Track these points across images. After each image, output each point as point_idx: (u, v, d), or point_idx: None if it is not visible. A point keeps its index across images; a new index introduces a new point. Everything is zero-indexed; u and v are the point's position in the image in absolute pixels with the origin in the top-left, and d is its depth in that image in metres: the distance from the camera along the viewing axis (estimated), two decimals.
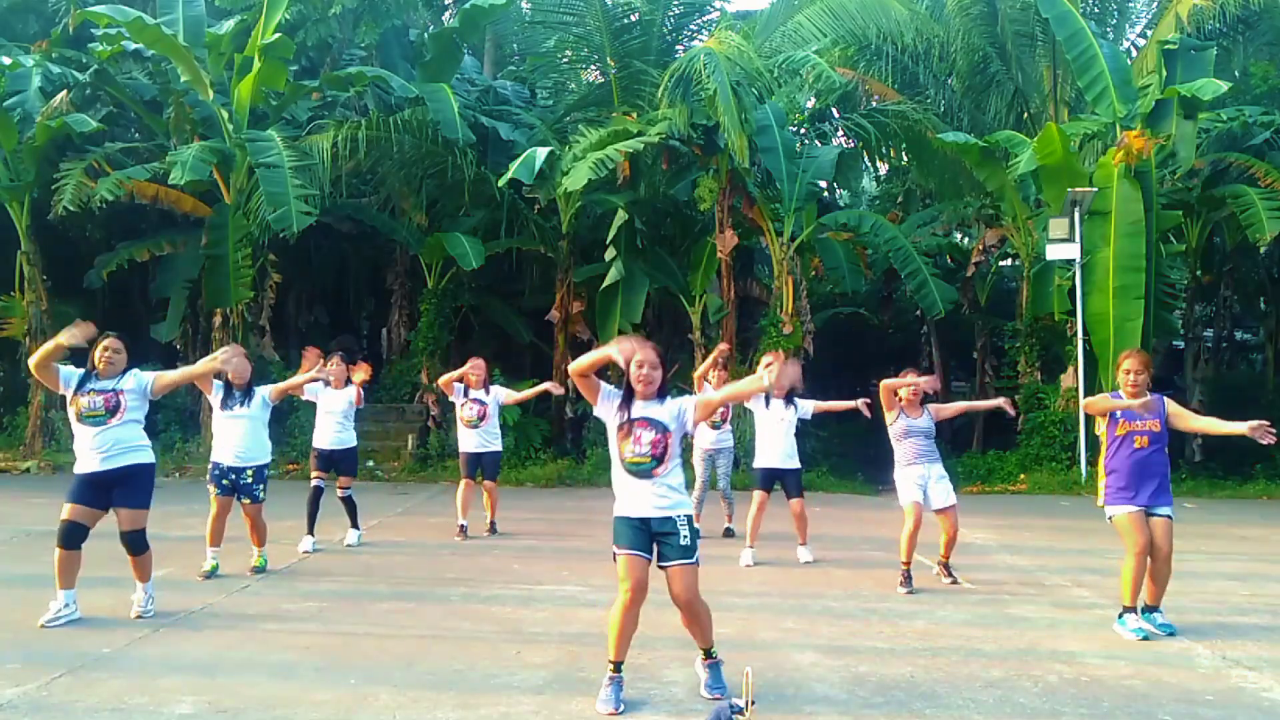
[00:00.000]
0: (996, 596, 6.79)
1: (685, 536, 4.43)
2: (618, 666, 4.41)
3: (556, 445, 15.01)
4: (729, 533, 9.28)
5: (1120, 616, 5.78)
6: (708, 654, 4.59)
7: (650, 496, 4.44)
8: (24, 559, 7.71)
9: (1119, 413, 5.79)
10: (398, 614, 6.08)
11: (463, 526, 8.90)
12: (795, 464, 8.14)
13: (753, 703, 3.95)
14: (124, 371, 5.89)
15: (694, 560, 4.44)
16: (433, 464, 14.64)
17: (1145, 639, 5.59)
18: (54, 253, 15.49)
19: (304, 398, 8.47)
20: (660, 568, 4.47)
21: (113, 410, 5.72)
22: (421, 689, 4.55)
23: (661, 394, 4.56)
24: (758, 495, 8.08)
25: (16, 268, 15.09)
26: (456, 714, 4.24)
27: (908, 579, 6.93)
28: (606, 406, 4.56)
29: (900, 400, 7.10)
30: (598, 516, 10.24)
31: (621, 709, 4.28)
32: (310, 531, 8.23)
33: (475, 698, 4.45)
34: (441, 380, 9.51)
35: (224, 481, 7.20)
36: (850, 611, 6.27)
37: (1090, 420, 10.57)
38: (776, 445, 8.06)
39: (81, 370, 5.83)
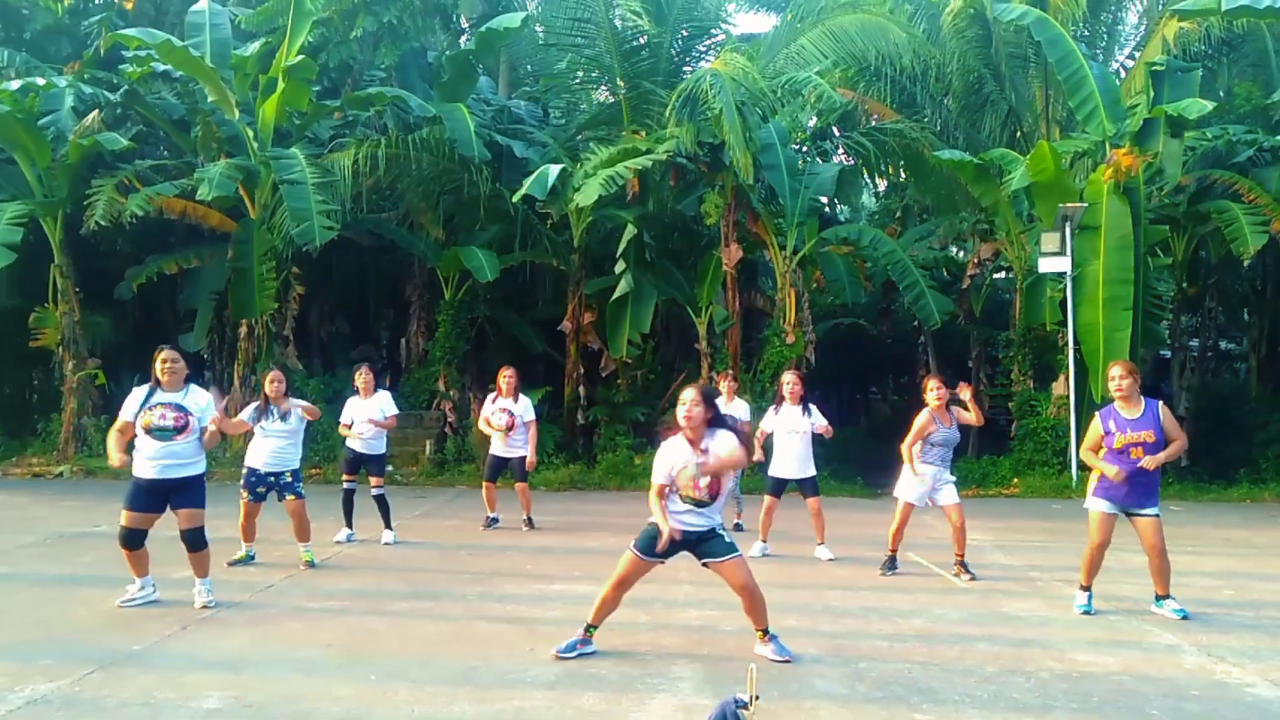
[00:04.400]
0: (991, 595, 6.95)
1: (727, 536, 5.11)
2: (589, 629, 5.12)
3: (568, 450, 15.35)
4: (738, 528, 9.61)
5: (1075, 595, 6.47)
6: (765, 633, 5.21)
7: (697, 519, 5.05)
8: (57, 560, 7.84)
9: (1114, 426, 6.16)
10: (416, 612, 6.20)
11: (492, 519, 9.40)
12: (810, 471, 8.30)
13: (757, 697, 3.97)
14: (187, 383, 6.20)
15: (740, 553, 5.14)
16: (450, 469, 14.95)
17: (1086, 613, 6.26)
18: (86, 266, 15.79)
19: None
20: (705, 564, 5.11)
21: (180, 429, 6.04)
22: (439, 684, 4.66)
23: (712, 426, 4.99)
24: (767, 499, 8.34)
25: (50, 280, 15.42)
26: (473, 708, 4.34)
27: (889, 564, 7.56)
28: (670, 474, 5.06)
29: (931, 412, 7.26)
30: (609, 520, 10.48)
31: (573, 656, 5.01)
32: (349, 525, 8.66)
33: (490, 693, 4.56)
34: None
35: (258, 489, 7.48)
36: (850, 610, 6.40)
37: (1081, 426, 10.98)
38: (791, 454, 8.22)
39: (145, 388, 6.14)
